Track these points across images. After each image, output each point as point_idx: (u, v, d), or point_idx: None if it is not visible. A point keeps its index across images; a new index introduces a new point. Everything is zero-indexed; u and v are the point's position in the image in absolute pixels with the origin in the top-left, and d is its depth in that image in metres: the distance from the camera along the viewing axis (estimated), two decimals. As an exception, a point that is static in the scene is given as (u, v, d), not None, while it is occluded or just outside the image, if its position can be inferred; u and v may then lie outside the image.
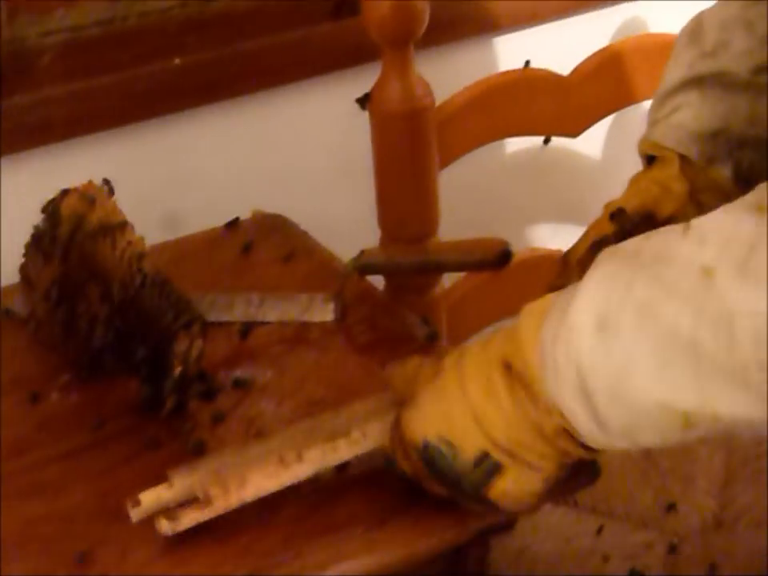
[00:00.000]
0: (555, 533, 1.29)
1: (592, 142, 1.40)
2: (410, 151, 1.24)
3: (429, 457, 0.87)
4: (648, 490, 1.33)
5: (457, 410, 0.85)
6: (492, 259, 1.13)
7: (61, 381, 1.07)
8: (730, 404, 0.76)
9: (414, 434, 0.87)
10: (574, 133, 1.35)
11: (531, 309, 0.84)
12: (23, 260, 1.11)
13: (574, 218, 1.45)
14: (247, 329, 1.13)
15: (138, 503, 0.90)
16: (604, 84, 1.35)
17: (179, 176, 1.35)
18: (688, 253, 0.75)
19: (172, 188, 1.34)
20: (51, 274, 1.08)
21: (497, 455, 0.85)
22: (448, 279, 1.32)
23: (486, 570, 1.03)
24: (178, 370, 0.99)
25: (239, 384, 1.06)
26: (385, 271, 1.20)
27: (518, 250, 1.17)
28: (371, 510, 0.93)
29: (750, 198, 0.75)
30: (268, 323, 1.14)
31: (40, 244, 1.08)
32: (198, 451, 0.98)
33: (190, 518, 0.87)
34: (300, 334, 1.13)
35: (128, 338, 1.03)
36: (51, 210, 1.07)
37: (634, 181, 1.02)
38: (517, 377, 0.83)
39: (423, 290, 1.28)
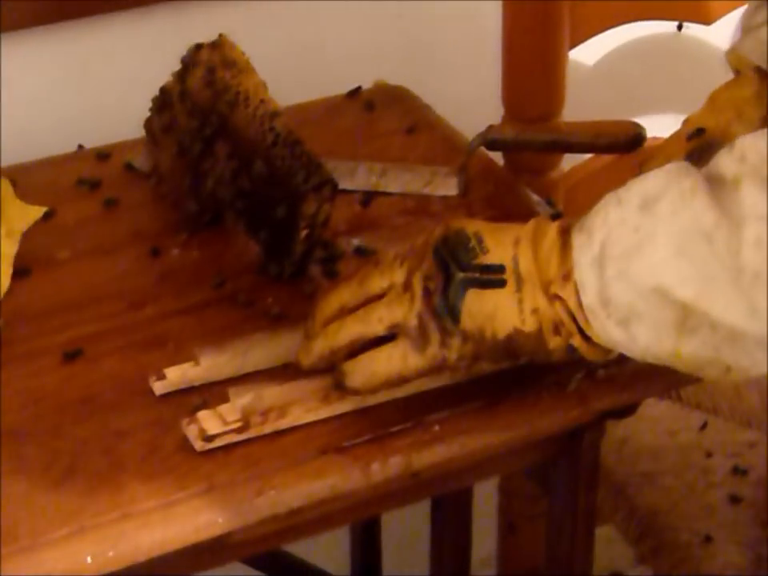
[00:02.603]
0: (658, 426, 1.29)
1: (726, 30, 1.36)
2: (540, 28, 1.21)
3: (452, 241, 0.86)
4: (754, 390, 1.32)
5: (504, 227, 0.87)
6: (623, 142, 1.11)
7: (182, 237, 1.07)
8: (723, 308, 0.78)
9: (453, 224, 0.88)
10: (709, 20, 1.32)
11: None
12: (149, 114, 1.10)
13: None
14: (368, 198, 1.12)
15: (163, 377, 0.91)
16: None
17: (303, 41, 1.33)
18: (727, 165, 0.79)
19: (295, 53, 1.32)
20: (178, 129, 1.07)
21: (509, 275, 0.85)
22: (566, 162, 1.30)
23: (599, 458, 1.03)
24: (304, 233, 0.98)
25: (360, 252, 1.06)
26: (512, 148, 1.17)
27: (644, 137, 1.14)
28: (493, 385, 0.92)
29: None
30: (390, 194, 1.13)
31: (168, 98, 1.07)
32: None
33: (223, 440, 0.88)
34: (421, 207, 1.12)
35: (254, 198, 1.02)
36: (182, 64, 1.06)
37: (712, 98, 1.00)
38: (566, 237, 0.85)
39: (543, 170, 1.26)
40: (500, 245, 0.86)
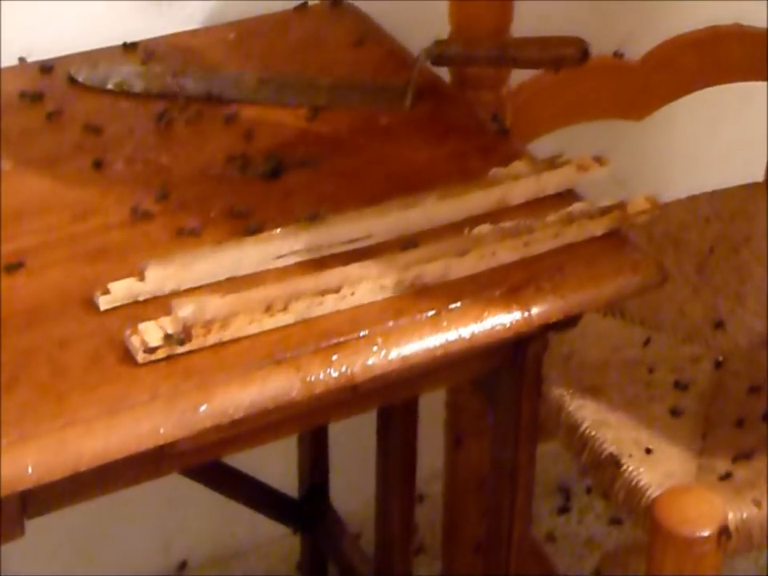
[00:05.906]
0: (602, 341, 1.30)
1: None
2: (488, -58, 1.20)
3: None
4: (698, 306, 1.33)
5: None
6: (569, 56, 1.11)
7: (125, 150, 1.06)
8: None
9: None
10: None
11: None
12: None
13: (654, 23, 1.42)
14: (315, 112, 1.11)
15: (107, 291, 0.91)
16: None
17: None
18: None
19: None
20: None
21: None
22: (514, 79, 1.29)
23: (541, 369, 1.04)
24: None
25: (305, 165, 1.05)
26: (458, 62, 1.17)
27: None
28: (436, 297, 0.93)
29: None
30: (336, 108, 1.12)
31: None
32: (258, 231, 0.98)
33: (164, 351, 0.88)
34: (368, 122, 1.11)
35: None
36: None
37: None
38: None
39: (490, 86, 1.25)
40: None
